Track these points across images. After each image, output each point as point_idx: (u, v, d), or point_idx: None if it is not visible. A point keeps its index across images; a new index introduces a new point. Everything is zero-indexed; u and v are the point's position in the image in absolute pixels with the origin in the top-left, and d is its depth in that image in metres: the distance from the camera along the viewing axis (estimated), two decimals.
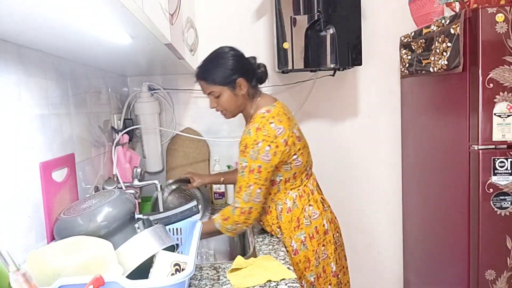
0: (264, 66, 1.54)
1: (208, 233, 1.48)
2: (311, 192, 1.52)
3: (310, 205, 1.49)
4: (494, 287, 1.60)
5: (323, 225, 1.50)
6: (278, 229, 1.50)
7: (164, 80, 2.16)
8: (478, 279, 1.61)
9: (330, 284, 1.51)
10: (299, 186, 1.50)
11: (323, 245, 1.49)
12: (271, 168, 1.39)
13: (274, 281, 1.15)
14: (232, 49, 1.49)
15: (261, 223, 1.57)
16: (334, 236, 1.54)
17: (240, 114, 1.57)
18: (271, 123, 1.40)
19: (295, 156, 1.44)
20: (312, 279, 1.47)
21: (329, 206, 1.60)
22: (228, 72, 1.44)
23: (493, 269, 1.60)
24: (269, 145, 1.37)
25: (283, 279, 1.16)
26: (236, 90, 1.46)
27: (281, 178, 1.47)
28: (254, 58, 1.54)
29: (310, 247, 1.46)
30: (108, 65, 1.67)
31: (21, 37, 0.97)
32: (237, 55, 1.48)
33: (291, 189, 1.49)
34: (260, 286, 1.12)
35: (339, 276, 1.55)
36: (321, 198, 1.56)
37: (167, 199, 1.87)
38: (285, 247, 1.49)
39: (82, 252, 0.88)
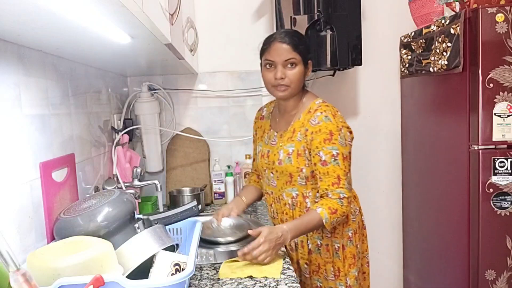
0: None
1: (309, 229, 1.34)
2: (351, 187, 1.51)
3: (352, 201, 1.47)
4: (494, 287, 1.60)
5: (362, 221, 1.56)
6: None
7: (164, 80, 2.16)
8: (478, 279, 1.61)
9: (363, 274, 1.58)
10: None
11: (362, 241, 1.55)
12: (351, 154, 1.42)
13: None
14: None
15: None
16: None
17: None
18: (337, 111, 1.43)
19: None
20: (356, 274, 1.49)
21: None
22: (308, 50, 1.46)
23: (493, 269, 1.60)
24: (348, 131, 1.42)
25: (283, 279, 1.16)
26: (306, 69, 1.44)
27: None
28: None
29: (354, 243, 1.49)
30: (108, 65, 1.67)
31: (21, 37, 0.97)
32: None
33: None
34: (260, 286, 1.12)
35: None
36: (357, 195, 1.59)
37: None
38: (285, 247, 1.49)
39: (82, 252, 0.88)
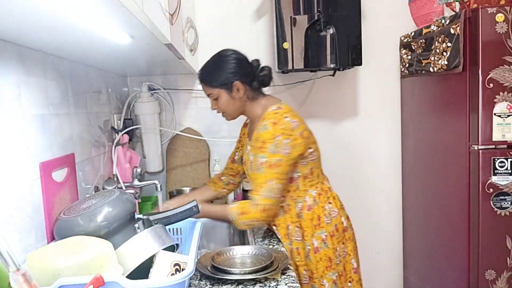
0: (269, 69, 1.54)
1: (216, 218, 1.50)
2: (329, 189, 1.54)
3: (329, 202, 1.50)
4: (494, 287, 1.60)
5: (342, 223, 1.51)
6: (298, 228, 1.47)
7: (164, 80, 2.16)
8: (478, 279, 1.61)
9: (351, 281, 1.52)
10: (317, 183, 1.51)
11: (343, 243, 1.51)
12: (291, 161, 1.39)
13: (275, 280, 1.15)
14: (234, 52, 1.50)
15: (274, 225, 1.51)
16: (352, 233, 1.56)
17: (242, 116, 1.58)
18: (286, 117, 1.41)
19: (310, 150, 1.45)
20: (334, 277, 1.47)
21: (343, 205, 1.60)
22: (225, 76, 1.46)
23: (493, 269, 1.60)
24: (287, 138, 1.37)
25: (284, 278, 1.16)
26: (233, 93, 1.47)
27: (299, 174, 1.46)
28: (257, 61, 1.54)
29: (331, 245, 1.46)
30: (108, 65, 1.67)
31: (21, 37, 0.97)
32: (238, 58, 1.49)
33: (310, 186, 1.49)
34: (260, 286, 1.12)
35: (360, 272, 1.57)
36: (338, 196, 1.57)
37: None
38: (293, 255, 1.48)
39: (82, 252, 0.88)
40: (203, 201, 1.64)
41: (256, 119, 1.52)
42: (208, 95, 1.51)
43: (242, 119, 1.70)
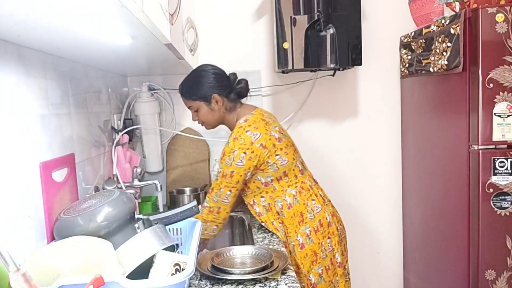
0: (245, 82, 1.65)
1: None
2: (310, 187, 1.60)
3: (312, 199, 1.57)
4: (494, 287, 1.60)
5: (326, 218, 1.57)
6: (281, 224, 1.55)
7: (164, 80, 2.16)
8: (478, 279, 1.61)
9: (336, 275, 1.58)
10: (296, 182, 1.57)
11: (328, 238, 1.56)
12: (245, 171, 1.50)
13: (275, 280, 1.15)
14: (212, 67, 1.62)
15: (263, 223, 1.58)
16: (338, 228, 1.61)
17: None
18: (247, 131, 1.51)
19: (277, 156, 1.53)
20: (320, 271, 1.52)
21: (330, 201, 1.66)
22: (204, 89, 1.58)
23: (493, 269, 1.60)
24: (244, 152, 1.48)
25: (283, 278, 1.16)
26: (211, 105, 1.59)
27: (271, 178, 1.54)
28: (234, 74, 1.66)
29: (316, 240, 1.52)
30: (108, 65, 1.67)
31: (21, 37, 0.97)
32: (216, 73, 1.61)
33: (288, 186, 1.56)
34: (260, 286, 1.12)
35: (345, 267, 1.63)
36: (321, 193, 1.63)
37: None
38: (285, 247, 1.50)
39: (82, 252, 0.88)
40: None
41: (232, 129, 1.62)
42: (189, 107, 1.63)
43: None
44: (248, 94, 1.67)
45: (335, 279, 1.58)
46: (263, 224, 1.59)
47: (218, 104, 1.59)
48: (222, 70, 1.63)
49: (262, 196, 1.57)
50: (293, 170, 1.58)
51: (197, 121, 1.66)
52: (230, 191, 1.50)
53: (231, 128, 1.63)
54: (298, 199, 1.55)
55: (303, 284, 1.52)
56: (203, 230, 1.52)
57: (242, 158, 1.48)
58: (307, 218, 1.54)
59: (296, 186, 1.57)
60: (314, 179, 1.67)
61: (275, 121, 1.65)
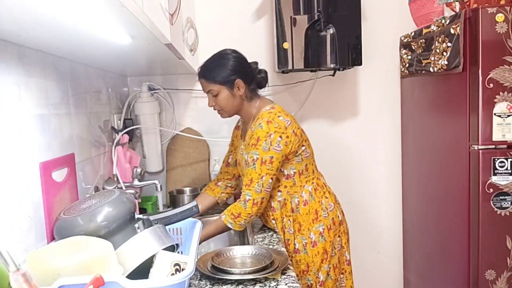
0: (265, 72, 1.60)
1: (214, 234, 1.50)
2: (324, 184, 1.61)
3: (325, 197, 1.57)
4: (494, 287, 1.60)
5: (338, 216, 1.58)
6: (291, 222, 1.53)
7: (164, 80, 2.16)
8: (478, 279, 1.61)
9: (343, 273, 1.60)
10: (313, 179, 1.57)
11: (339, 236, 1.57)
12: (282, 158, 1.45)
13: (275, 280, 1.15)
14: (234, 51, 1.56)
15: (273, 218, 1.56)
16: (347, 227, 1.64)
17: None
18: (279, 116, 1.48)
19: (303, 147, 1.52)
20: (328, 269, 1.53)
21: (338, 200, 1.67)
22: (228, 72, 1.51)
23: (493, 269, 1.60)
24: (280, 136, 1.44)
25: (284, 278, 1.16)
26: (234, 90, 1.52)
27: (294, 171, 1.52)
28: (256, 63, 1.60)
29: (328, 238, 1.53)
30: (108, 65, 1.67)
31: (21, 37, 0.97)
32: (239, 57, 1.55)
33: (306, 182, 1.55)
34: (260, 286, 1.12)
35: (351, 265, 1.64)
36: (332, 191, 1.64)
37: None
38: (287, 246, 1.52)
39: (82, 252, 0.88)
40: (203, 211, 1.73)
41: (250, 120, 1.58)
42: (208, 92, 1.55)
43: (235, 119, 1.72)
44: (266, 86, 1.62)
45: (339, 277, 1.59)
46: (273, 221, 1.56)
47: (240, 90, 1.52)
48: (243, 56, 1.57)
49: (279, 191, 1.54)
50: (312, 164, 1.58)
51: (213, 107, 1.58)
52: (271, 179, 1.44)
53: (247, 119, 1.59)
54: (314, 196, 1.54)
55: (312, 282, 1.52)
56: (246, 223, 1.45)
57: (279, 142, 1.43)
58: (321, 216, 1.53)
59: (313, 183, 1.56)
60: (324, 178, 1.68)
61: None
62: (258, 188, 1.43)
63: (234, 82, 1.51)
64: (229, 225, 1.46)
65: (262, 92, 1.65)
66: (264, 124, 1.45)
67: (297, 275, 1.51)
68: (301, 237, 1.52)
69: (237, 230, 1.49)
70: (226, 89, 1.51)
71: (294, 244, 1.53)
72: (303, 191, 1.54)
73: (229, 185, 1.81)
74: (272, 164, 1.43)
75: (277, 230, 1.56)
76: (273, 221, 1.57)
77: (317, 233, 1.52)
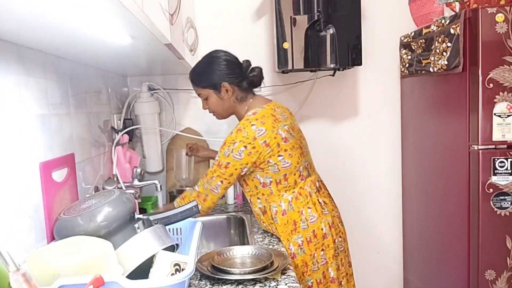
0: (259, 70, 1.56)
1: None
2: (309, 194, 1.50)
3: (308, 207, 1.48)
4: (494, 287, 1.60)
5: (321, 229, 1.47)
6: (274, 230, 1.52)
7: (164, 80, 2.16)
8: (478, 279, 1.61)
9: None
10: (294, 188, 1.49)
11: (322, 250, 1.47)
12: (241, 166, 1.44)
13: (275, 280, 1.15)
14: (225, 53, 1.55)
15: (263, 223, 1.57)
16: (336, 241, 1.51)
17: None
18: (252, 125, 1.44)
19: (280, 157, 1.44)
20: (310, 284, 1.46)
21: (333, 210, 1.56)
22: (214, 77, 1.51)
23: (493, 269, 1.60)
24: (245, 146, 1.43)
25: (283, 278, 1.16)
26: (221, 93, 1.52)
27: (270, 179, 1.47)
28: (248, 61, 1.57)
29: (308, 251, 1.45)
30: (108, 65, 1.67)
31: (21, 37, 0.97)
32: (228, 59, 1.53)
33: (285, 191, 1.49)
34: (260, 286, 1.12)
35: (342, 283, 1.53)
36: (323, 201, 1.52)
37: None
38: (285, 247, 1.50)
39: (82, 252, 0.88)
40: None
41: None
42: (198, 95, 1.58)
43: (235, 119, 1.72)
44: (262, 83, 1.60)
45: None
46: (264, 224, 1.57)
47: (228, 93, 1.51)
48: (234, 56, 1.56)
49: (258, 198, 1.52)
50: (294, 174, 1.48)
51: (207, 110, 1.60)
52: (221, 182, 1.46)
53: (240, 120, 1.57)
54: (293, 205, 1.47)
55: None
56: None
57: (242, 151, 1.42)
58: (300, 227, 1.45)
59: (294, 192, 1.48)
60: (319, 185, 1.56)
61: (288, 118, 1.54)
62: (206, 185, 1.49)
63: (221, 85, 1.51)
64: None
65: (260, 91, 1.63)
66: (234, 131, 1.46)
67: None
68: (282, 247, 1.47)
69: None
70: (213, 93, 1.53)
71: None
72: (281, 200, 1.48)
73: None
74: (226, 169, 1.44)
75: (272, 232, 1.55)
76: (264, 224, 1.57)
77: (296, 245, 1.45)
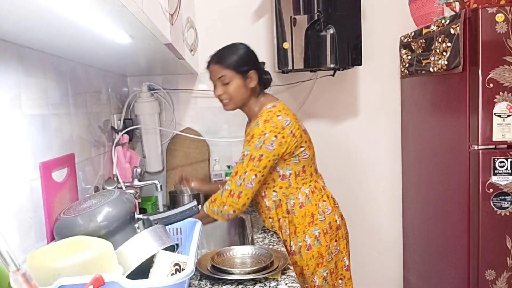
0: (270, 75, 1.62)
1: (200, 218, 1.49)
2: (323, 188, 1.58)
3: (323, 200, 1.54)
4: (494, 287, 1.60)
5: (336, 221, 1.55)
6: (287, 224, 1.52)
7: (164, 80, 2.16)
8: (478, 279, 1.61)
9: (342, 279, 1.57)
10: (310, 181, 1.54)
11: (336, 241, 1.54)
12: (274, 157, 1.44)
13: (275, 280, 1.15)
14: (247, 45, 1.56)
15: (268, 217, 1.57)
16: (345, 232, 1.60)
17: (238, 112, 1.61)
18: (278, 115, 1.46)
19: (302, 148, 1.49)
20: (325, 274, 1.51)
21: (338, 203, 1.64)
22: (243, 61, 1.50)
23: (493, 269, 1.60)
24: (275, 136, 1.42)
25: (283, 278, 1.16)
26: (246, 81, 1.51)
27: (290, 172, 1.50)
28: (263, 63, 1.60)
29: (324, 243, 1.50)
30: (108, 65, 1.67)
31: (21, 37, 0.97)
32: (252, 51, 1.55)
33: (302, 184, 1.53)
34: (260, 286, 1.12)
35: (351, 271, 1.61)
36: (331, 195, 1.61)
37: None
38: (285, 247, 1.50)
39: (82, 252, 0.88)
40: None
41: (252, 117, 1.57)
42: (219, 78, 1.50)
43: (242, 119, 1.71)
44: (269, 88, 1.63)
45: (337, 283, 1.56)
46: (270, 220, 1.56)
47: (252, 83, 1.51)
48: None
49: (274, 191, 1.53)
50: (311, 167, 1.54)
51: (220, 96, 1.52)
52: (255, 175, 1.43)
53: (250, 115, 1.58)
54: (311, 199, 1.51)
55: (307, 285, 1.51)
56: (219, 212, 1.45)
57: (273, 142, 1.42)
58: (317, 220, 1.50)
59: (310, 185, 1.53)
60: (323, 181, 1.64)
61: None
62: (239, 182, 1.44)
63: (248, 73, 1.49)
64: (205, 208, 1.48)
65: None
66: (261, 123, 1.44)
67: None
68: (296, 239, 1.51)
69: (209, 215, 1.47)
70: (239, 78, 1.49)
71: (290, 246, 1.52)
72: (299, 193, 1.52)
73: None
74: (260, 162, 1.42)
75: (275, 230, 1.56)
76: (270, 220, 1.57)
77: (313, 237, 1.49)
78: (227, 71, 1.49)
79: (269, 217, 1.57)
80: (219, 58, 1.51)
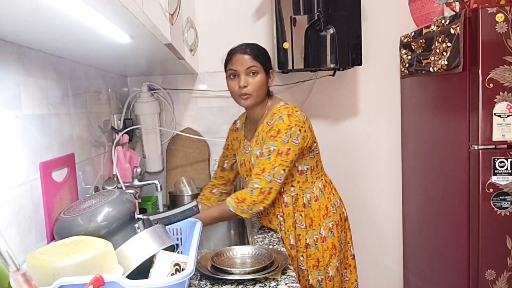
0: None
1: (218, 218, 1.50)
2: (330, 181, 1.66)
3: (333, 194, 1.61)
4: (494, 287, 1.60)
5: (343, 212, 1.64)
6: (302, 217, 1.54)
7: (164, 80, 2.16)
8: (478, 279, 1.61)
9: (347, 268, 1.63)
10: (322, 176, 1.61)
11: (344, 232, 1.62)
12: (299, 151, 1.47)
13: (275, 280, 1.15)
14: None
15: (280, 215, 1.56)
16: (349, 223, 1.68)
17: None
18: (296, 110, 1.50)
19: (315, 144, 1.56)
20: (338, 264, 1.56)
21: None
22: (268, 58, 1.57)
23: (493, 269, 1.60)
24: (299, 130, 1.46)
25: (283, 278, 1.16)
26: (268, 78, 1.56)
27: (307, 166, 1.55)
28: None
29: (336, 234, 1.56)
30: (108, 65, 1.67)
31: (21, 37, 0.97)
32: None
33: (316, 178, 1.58)
34: (260, 286, 1.12)
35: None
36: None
37: None
38: (295, 242, 1.55)
39: (82, 252, 0.88)
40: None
41: (259, 118, 1.59)
42: (248, 68, 1.50)
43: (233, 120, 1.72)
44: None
45: (344, 272, 1.62)
46: (279, 217, 1.56)
47: (270, 82, 1.57)
48: None
49: (292, 186, 1.55)
50: (321, 161, 1.62)
51: (244, 88, 1.50)
52: (284, 170, 1.44)
53: (259, 115, 1.57)
54: (323, 192, 1.57)
55: (322, 276, 1.54)
56: (248, 210, 1.43)
57: (298, 135, 1.45)
58: (331, 212, 1.56)
59: (322, 179, 1.60)
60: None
61: None
62: (268, 178, 1.43)
63: (270, 71, 1.56)
64: (231, 208, 1.44)
65: None
66: (285, 117, 1.46)
67: (307, 270, 1.55)
68: (312, 232, 1.54)
69: (238, 215, 1.45)
70: (264, 73, 1.53)
71: (306, 239, 1.54)
72: (314, 187, 1.56)
73: (224, 191, 1.83)
74: (288, 156, 1.44)
75: (283, 229, 1.56)
76: (281, 218, 1.56)
77: (327, 229, 1.55)
78: (257, 63, 1.51)
79: (281, 215, 1.56)
80: (252, 50, 1.52)
